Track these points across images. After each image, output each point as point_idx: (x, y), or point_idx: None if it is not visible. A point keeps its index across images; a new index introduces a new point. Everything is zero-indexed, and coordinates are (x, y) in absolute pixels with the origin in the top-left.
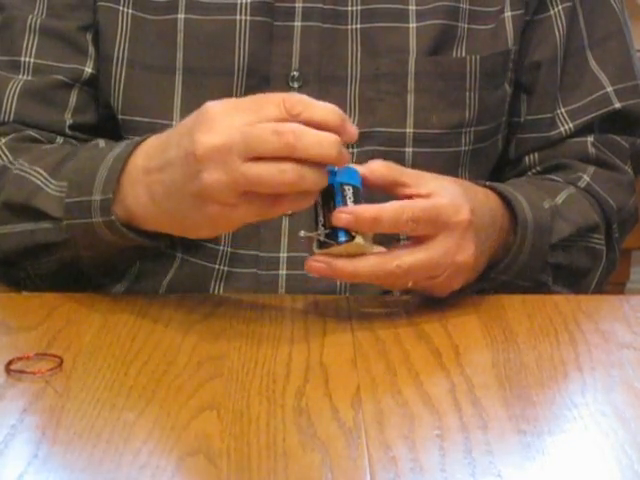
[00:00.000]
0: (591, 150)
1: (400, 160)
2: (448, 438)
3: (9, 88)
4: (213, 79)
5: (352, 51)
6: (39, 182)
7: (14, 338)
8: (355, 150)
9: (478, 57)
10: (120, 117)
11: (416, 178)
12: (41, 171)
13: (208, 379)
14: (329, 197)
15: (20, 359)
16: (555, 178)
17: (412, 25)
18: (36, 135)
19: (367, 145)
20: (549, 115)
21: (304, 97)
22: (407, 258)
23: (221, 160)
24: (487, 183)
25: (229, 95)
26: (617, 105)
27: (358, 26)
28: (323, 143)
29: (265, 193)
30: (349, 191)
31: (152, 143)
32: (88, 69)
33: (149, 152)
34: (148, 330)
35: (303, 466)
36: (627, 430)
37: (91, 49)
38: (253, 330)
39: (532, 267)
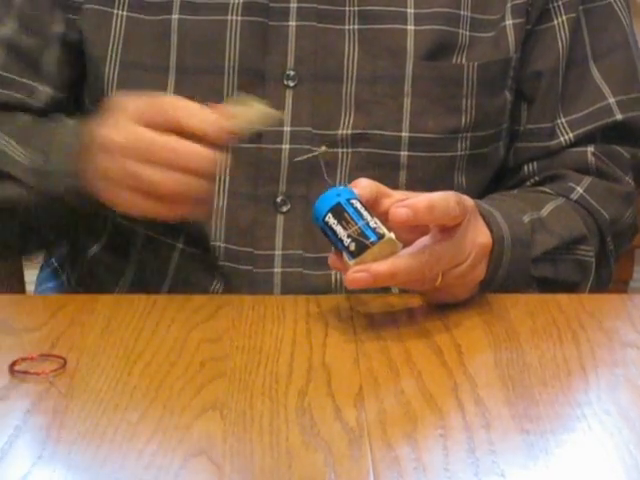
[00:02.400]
0: (590, 159)
1: (395, 163)
2: (451, 437)
3: None
4: (204, 78)
5: (349, 51)
6: (4, 147)
7: (18, 339)
8: (350, 150)
9: (475, 64)
10: None
11: (405, 194)
12: (7, 138)
13: (211, 379)
14: (340, 215)
15: (24, 360)
16: (546, 190)
17: (410, 27)
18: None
19: (361, 147)
20: (549, 125)
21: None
22: (436, 246)
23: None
24: None
25: (220, 94)
26: (619, 117)
27: (356, 27)
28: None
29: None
30: (357, 203)
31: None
32: (43, 88)
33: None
34: (151, 331)
35: (306, 466)
36: (631, 429)
37: (53, 69)
38: (255, 330)
39: (515, 281)
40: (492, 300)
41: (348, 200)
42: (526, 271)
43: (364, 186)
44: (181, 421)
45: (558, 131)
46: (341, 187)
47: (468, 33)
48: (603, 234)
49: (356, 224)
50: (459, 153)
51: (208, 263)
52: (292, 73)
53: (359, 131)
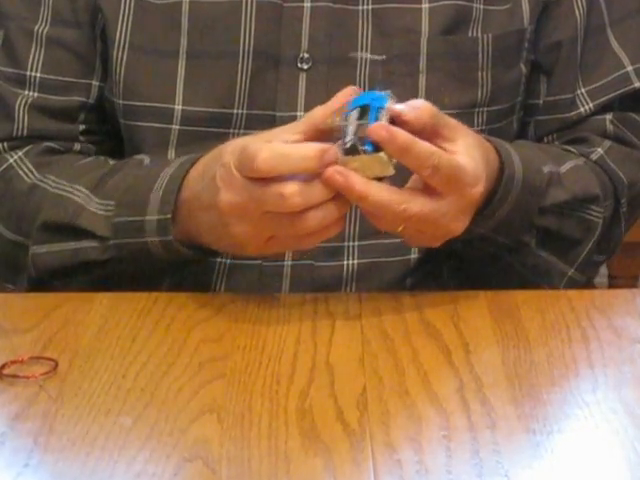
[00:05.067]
0: (609, 127)
1: None
2: (455, 439)
3: (18, 103)
4: (217, 63)
5: (363, 32)
6: (81, 201)
7: (8, 340)
8: None
9: (490, 36)
10: (121, 102)
11: (453, 132)
12: (82, 189)
13: (209, 381)
14: (364, 113)
15: (14, 362)
16: (568, 148)
17: (425, 6)
18: (54, 145)
19: None
20: (569, 96)
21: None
22: (415, 206)
23: (242, 214)
24: (489, 138)
25: (233, 79)
26: (637, 84)
27: (369, 7)
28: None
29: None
30: (384, 117)
31: (194, 174)
32: (96, 82)
33: (192, 185)
34: (149, 331)
35: (305, 471)
36: (637, 427)
37: (97, 61)
38: (259, 330)
39: (513, 224)
40: (501, 297)
41: (378, 108)
42: (529, 218)
43: (418, 116)
44: (176, 425)
45: (578, 101)
46: (383, 94)
47: (482, 7)
48: (618, 196)
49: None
50: (475, 128)
51: (211, 262)
52: (306, 56)
53: None
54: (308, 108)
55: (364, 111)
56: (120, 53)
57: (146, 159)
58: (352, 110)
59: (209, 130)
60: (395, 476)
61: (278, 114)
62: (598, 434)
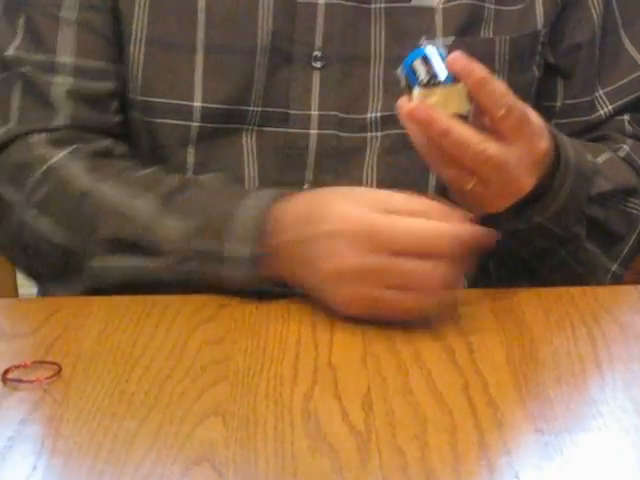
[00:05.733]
0: (628, 128)
1: None
2: (462, 439)
3: (53, 91)
4: (234, 58)
5: (376, 31)
6: (148, 217)
7: (10, 345)
8: (379, 134)
9: (508, 38)
10: (139, 98)
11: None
12: (148, 206)
13: (213, 383)
14: (428, 61)
15: (17, 367)
16: (596, 144)
17: (439, 7)
18: (100, 147)
19: (390, 129)
20: (589, 98)
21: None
22: (493, 147)
23: (353, 280)
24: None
25: (250, 76)
26: None
27: (382, 5)
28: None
29: None
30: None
31: (290, 218)
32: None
33: (287, 228)
34: (150, 334)
35: (312, 472)
36: None
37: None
38: (259, 331)
39: (568, 213)
40: (504, 295)
41: (441, 54)
42: (581, 206)
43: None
44: (182, 428)
45: (597, 104)
46: (436, 46)
47: (494, 7)
48: None
49: (439, 65)
50: None
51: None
52: (319, 54)
53: (388, 113)
54: (322, 107)
55: (424, 60)
56: (137, 47)
57: (215, 179)
58: (413, 60)
59: (227, 126)
60: (403, 477)
61: (291, 112)
62: (608, 433)
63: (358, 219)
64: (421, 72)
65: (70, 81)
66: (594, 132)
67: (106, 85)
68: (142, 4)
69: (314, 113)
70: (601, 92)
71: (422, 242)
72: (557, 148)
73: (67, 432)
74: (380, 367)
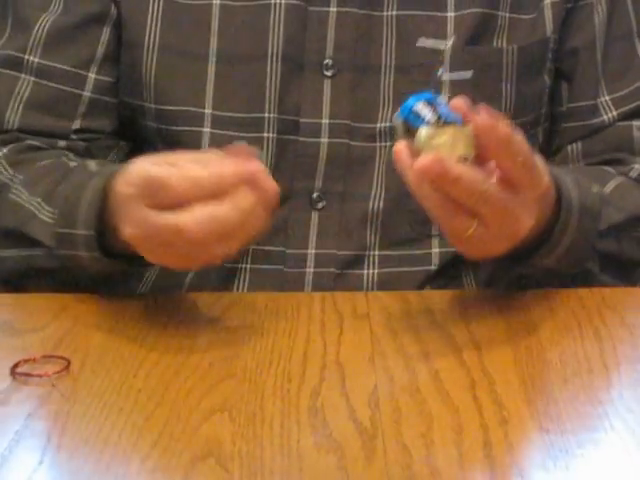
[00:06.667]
0: (636, 134)
1: None
2: (468, 437)
3: (15, 94)
4: (247, 66)
5: (387, 39)
6: (33, 208)
7: (20, 340)
8: (388, 144)
9: (516, 47)
10: (153, 106)
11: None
12: (37, 197)
13: (220, 380)
14: (431, 105)
15: (26, 361)
16: (605, 168)
17: (450, 14)
18: (36, 143)
19: None
20: (590, 102)
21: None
22: (493, 186)
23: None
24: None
25: (263, 84)
26: None
27: (394, 13)
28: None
29: None
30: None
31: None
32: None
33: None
34: (159, 330)
35: (318, 469)
36: None
37: (104, 37)
38: (268, 328)
39: (577, 252)
40: (512, 296)
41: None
42: (591, 243)
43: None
44: (188, 424)
45: (601, 109)
46: (429, 94)
47: (507, 15)
48: None
49: (443, 110)
50: None
51: (232, 268)
52: (330, 62)
53: None
54: (333, 116)
55: (428, 102)
56: (150, 56)
57: (91, 164)
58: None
59: (243, 135)
60: (408, 474)
61: (302, 120)
62: (613, 433)
63: (136, 173)
64: (427, 113)
65: (34, 80)
66: (599, 139)
67: (69, 89)
68: (155, 13)
69: (325, 121)
70: (607, 98)
71: (198, 184)
72: (559, 189)
73: (74, 427)
74: (387, 365)
